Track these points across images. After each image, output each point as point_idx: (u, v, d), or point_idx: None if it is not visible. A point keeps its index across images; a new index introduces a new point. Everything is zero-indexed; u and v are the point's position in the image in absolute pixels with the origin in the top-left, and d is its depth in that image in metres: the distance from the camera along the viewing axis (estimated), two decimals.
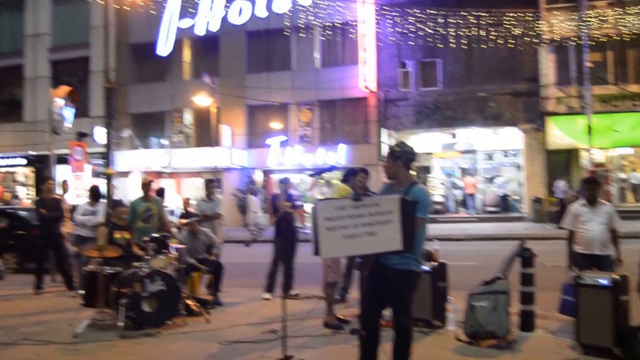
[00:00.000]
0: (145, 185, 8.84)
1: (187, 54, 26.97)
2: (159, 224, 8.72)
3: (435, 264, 6.72)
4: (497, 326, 5.96)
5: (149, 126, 27.28)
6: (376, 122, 23.65)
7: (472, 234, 19.00)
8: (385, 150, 23.10)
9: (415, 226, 4.16)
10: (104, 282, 6.88)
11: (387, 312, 4.80)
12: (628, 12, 21.14)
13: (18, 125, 27.91)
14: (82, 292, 7.40)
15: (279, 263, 8.62)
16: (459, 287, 7.38)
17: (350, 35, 24.10)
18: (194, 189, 24.45)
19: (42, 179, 10.86)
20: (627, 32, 21.10)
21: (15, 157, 28.23)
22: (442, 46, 22.73)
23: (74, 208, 10.80)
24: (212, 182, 10.03)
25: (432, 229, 17.57)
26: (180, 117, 26.71)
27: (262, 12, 24.75)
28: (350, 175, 7.31)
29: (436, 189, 25.05)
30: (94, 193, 10.16)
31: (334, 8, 23.68)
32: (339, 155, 23.28)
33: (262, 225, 18.81)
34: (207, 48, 26.37)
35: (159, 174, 26.16)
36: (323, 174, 4.54)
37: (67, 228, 10.41)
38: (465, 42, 22.43)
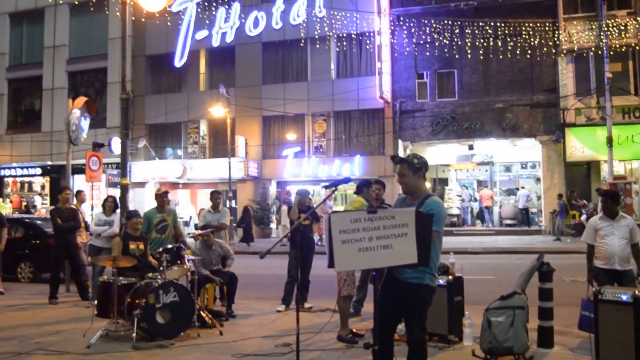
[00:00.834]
0: (160, 196, 8.77)
1: (203, 65, 27.14)
2: (174, 234, 8.67)
3: (452, 277, 6.60)
4: (514, 342, 5.79)
5: (165, 137, 27.46)
6: (392, 133, 23.53)
7: (489, 247, 18.80)
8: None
9: (431, 239, 4.08)
10: (118, 293, 6.86)
11: (401, 326, 4.64)
12: None
13: (35, 136, 28.27)
14: (96, 302, 7.38)
15: (295, 275, 8.48)
16: (475, 301, 7.30)
17: (366, 46, 24.11)
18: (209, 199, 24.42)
19: (59, 188, 10.87)
20: None
21: (32, 166, 28.56)
22: (458, 57, 22.65)
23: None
24: (218, 194, 9.88)
25: (448, 241, 17.50)
26: (195, 128, 26.82)
27: (277, 23, 24.85)
28: (365, 186, 7.18)
29: (452, 201, 24.83)
30: (110, 204, 10.16)
31: (350, 19, 23.71)
32: (355, 166, 23.19)
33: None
34: (223, 59, 26.51)
35: (174, 185, 26.29)
36: (338, 186, 4.49)
37: (82, 238, 10.39)
38: (482, 52, 22.30)
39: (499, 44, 22.02)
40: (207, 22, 25.70)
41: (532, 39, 21.62)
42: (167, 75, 27.53)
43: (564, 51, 21.72)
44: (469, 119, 22.81)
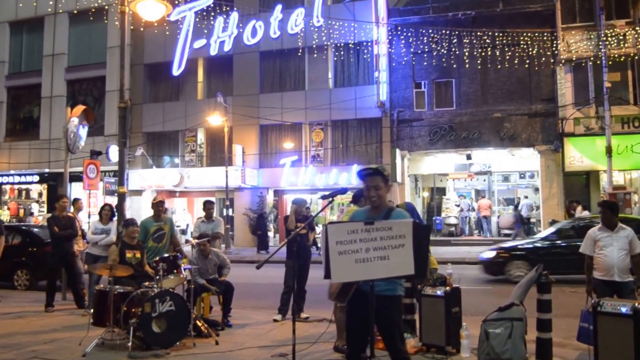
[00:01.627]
0: (156, 205, 8.73)
1: (200, 74, 27.16)
2: (170, 243, 8.65)
3: (449, 288, 6.56)
4: (512, 354, 5.78)
5: (162, 145, 27.43)
6: (389, 143, 23.49)
7: None
8: (397, 172, 23.19)
9: (428, 251, 4.04)
10: (114, 302, 6.86)
11: None
12: None
13: (33, 143, 28.26)
14: (92, 310, 7.38)
15: (292, 285, 8.51)
16: (473, 312, 7.29)
17: (363, 55, 24.15)
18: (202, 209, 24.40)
19: (57, 196, 10.84)
20: None
21: (29, 174, 28.53)
22: (456, 66, 22.69)
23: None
24: (211, 203, 9.86)
25: (446, 251, 17.56)
26: (193, 137, 26.80)
27: (275, 32, 24.88)
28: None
29: (450, 210, 24.80)
30: (107, 212, 10.15)
31: (348, 28, 23.76)
32: (352, 175, 23.15)
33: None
34: (221, 68, 26.53)
35: (172, 193, 26.25)
36: (335, 197, 4.46)
37: (79, 246, 10.37)
38: (480, 62, 22.33)
39: (497, 53, 22.05)
40: (205, 31, 25.74)
41: (530, 49, 21.64)
42: (165, 84, 27.53)
43: (563, 61, 21.70)
44: (467, 128, 22.81)
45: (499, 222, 24.54)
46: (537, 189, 23.80)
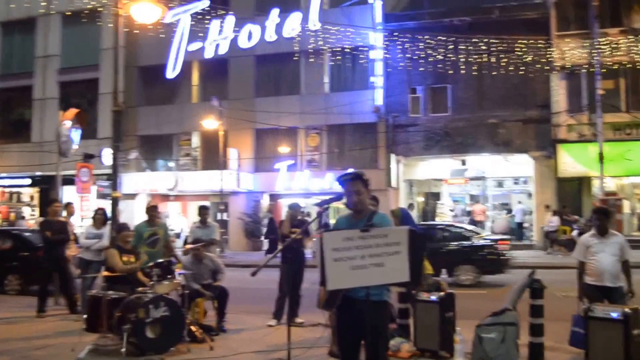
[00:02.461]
0: (150, 210, 8.73)
1: (195, 77, 27.06)
2: (164, 248, 8.64)
3: (443, 293, 6.64)
4: (505, 358, 5.87)
5: (157, 149, 27.30)
6: (385, 148, 23.52)
7: None
8: (392, 177, 23.20)
9: (423, 258, 4.06)
10: (108, 307, 6.84)
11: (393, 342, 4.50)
12: None
13: (25, 146, 27.92)
14: (85, 316, 7.31)
15: (286, 290, 8.51)
16: (467, 316, 7.29)
17: (359, 60, 24.12)
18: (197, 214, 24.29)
19: (49, 201, 10.77)
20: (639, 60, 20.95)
21: (21, 177, 28.20)
22: (452, 72, 22.70)
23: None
24: (206, 209, 9.87)
25: None
26: (187, 140, 26.70)
27: (271, 36, 24.81)
28: None
29: (445, 215, 24.80)
30: (99, 216, 10.09)
31: (344, 33, 23.72)
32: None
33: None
34: (216, 71, 26.43)
35: (166, 197, 26.10)
36: (331, 203, 4.47)
37: (71, 251, 10.28)
38: (476, 68, 22.37)
39: (493, 60, 22.07)
40: (201, 34, 25.62)
41: (525, 56, 21.69)
42: (159, 87, 27.38)
43: (557, 68, 21.85)
44: (462, 134, 22.86)
45: (493, 227, 24.56)
46: (530, 195, 23.90)
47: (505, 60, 21.91)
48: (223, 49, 25.64)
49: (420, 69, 23.24)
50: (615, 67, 21.23)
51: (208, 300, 8.37)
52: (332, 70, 24.96)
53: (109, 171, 13.99)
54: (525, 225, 23.70)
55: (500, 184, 25.55)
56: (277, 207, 25.32)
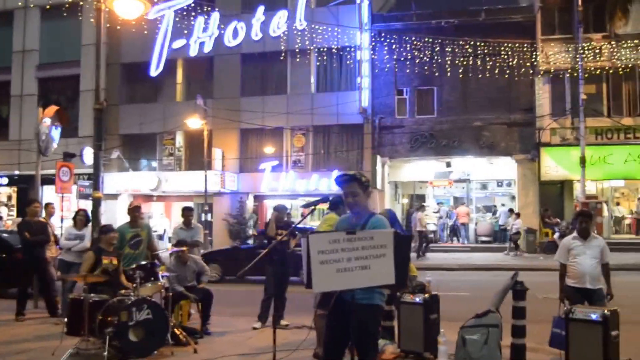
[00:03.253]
0: (132, 211, 8.63)
1: (179, 75, 26.71)
2: (148, 250, 8.58)
3: (428, 295, 6.70)
4: (488, 359, 5.96)
5: (139, 148, 26.92)
6: (370, 149, 23.49)
7: (464, 263, 18.94)
8: (378, 178, 23.14)
9: (409, 261, 4.17)
10: (89, 310, 6.73)
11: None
12: (622, 45, 21.35)
13: (2, 144, 27.20)
14: (66, 319, 7.19)
15: (272, 292, 8.53)
16: (450, 318, 7.41)
17: (346, 60, 24.04)
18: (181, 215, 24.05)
19: (28, 201, 10.53)
20: (622, 65, 21.29)
21: None
22: (438, 74, 22.79)
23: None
24: (190, 210, 9.84)
25: (425, 258, 17.49)
26: (171, 139, 26.37)
27: (257, 34, 24.63)
28: (340, 203, 6.95)
29: (429, 217, 24.83)
30: (81, 217, 9.91)
31: (331, 33, 23.62)
32: (332, 182, 22.95)
33: None
34: (201, 70, 26.18)
35: (148, 197, 25.80)
36: (317, 205, 4.46)
37: (51, 252, 10.06)
38: (462, 70, 22.47)
39: (479, 62, 22.18)
40: (185, 31, 25.30)
41: (510, 59, 21.85)
42: (142, 85, 26.99)
43: (541, 72, 22.02)
44: (447, 136, 22.93)
45: (476, 230, 24.71)
46: (514, 197, 24.04)
47: (491, 63, 22.03)
48: (208, 47, 25.39)
49: (407, 70, 23.33)
50: (598, 72, 21.51)
51: (192, 303, 8.31)
52: (319, 71, 24.82)
53: (90, 171, 13.86)
54: (509, 227, 23.75)
55: (484, 187, 25.72)
56: (262, 208, 25.15)
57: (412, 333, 6.59)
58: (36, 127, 12.32)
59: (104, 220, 10.42)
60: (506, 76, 22.08)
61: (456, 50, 22.26)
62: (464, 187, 25.55)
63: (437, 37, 22.26)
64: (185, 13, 25.07)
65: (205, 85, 25.78)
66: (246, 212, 24.69)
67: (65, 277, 9.03)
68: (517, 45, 21.77)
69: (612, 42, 21.55)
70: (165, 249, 13.47)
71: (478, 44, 21.90)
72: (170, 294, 7.47)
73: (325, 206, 4.47)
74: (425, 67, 22.74)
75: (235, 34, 25.02)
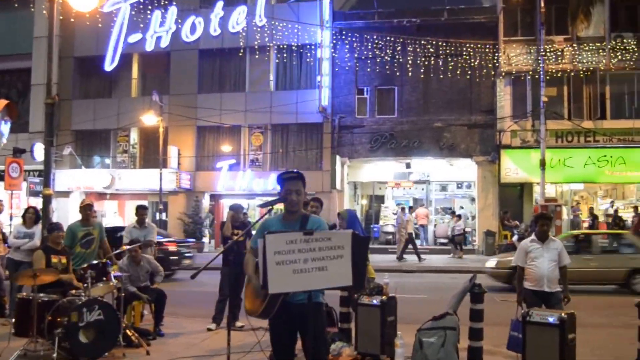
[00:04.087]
0: (84, 209, 8.30)
1: (135, 70, 26.13)
2: (99, 249, 8.31)
3: (385, 297, 6.66)
4: None
5: (93, 144, 26.28)
6: (330, 149, 23.34)
7: (422, 265, 18.91)
8: (337, 179, 22.98)
9: (367, 261, 4.25)
10: (38, 310, 6.55)
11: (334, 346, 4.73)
12: (584, 48, 21.56)
13: None
14: (13, 320, 7.04)
15: (227, 293, 8.50)
16: (408, 320, 7.45)
17: (306, 58, 23.83)
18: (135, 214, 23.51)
19: None
20: (583, 68, 21.51)
21: None
22: (399, 74, 22.77)
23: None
24: (144, 209, 9.61)
25: (383, 259, 17.71)
26: (125, 136, 25.81)
27: (215, 30, 24.24)
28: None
29: (388, 219, 24.80)
30: (30, 215, 9.54)
31: (291, 30, 23.36)
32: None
33: None
34: (157, 65, 25.68)
35: (102, 195, 25.13)
36: (274, 205, 4.33)
37: None
38: (423, 70, 22.49)
39: (440, 63, 22.27)
40: (142, 25, 24.75)
41: (472, 60, 21.99)
42: (96, 79, 26.37)
43: (503, 73, 22.17)
44: (408, 136, 22.93)
45: (435, 232, 24.74)
46: (473, 199, 24.19)
47: (453, 63, 22.14)
48: (165, 42, 24.91)
49: (368, 69, 23.33)
50: (559, 74, 21.70)
51: (145, 304, 8.23)
52: (278, 68, 24.55)
53: (41, 167, 13.69)
54: (468, 230, 23.90)
55: (444, 188, 25.80)
56: (219, 207, 24.71)
57: (369, 335, 6.57)
58: None
59: (55, 219, 10.07)
60: (468, 77, 22.24)
61: (418, 50, 22.25)
62: (423, 189, 25.59)
63: (398, 36, 22.24)
64: (141, 6, 24.54)
65: (162, 81, 25.32)
66: (202, 212, 24.37)
67: (14, 279, 8.62)
68: (479, 46, 21.90)
69: (574, 45, 21.74)
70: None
71: (440, 44, 21.94)
72: (123, 294, 7.34)
73: (282, 206, 4.34)
74: (387, 67, 22.68)
75: (193, 29, 24.57)
